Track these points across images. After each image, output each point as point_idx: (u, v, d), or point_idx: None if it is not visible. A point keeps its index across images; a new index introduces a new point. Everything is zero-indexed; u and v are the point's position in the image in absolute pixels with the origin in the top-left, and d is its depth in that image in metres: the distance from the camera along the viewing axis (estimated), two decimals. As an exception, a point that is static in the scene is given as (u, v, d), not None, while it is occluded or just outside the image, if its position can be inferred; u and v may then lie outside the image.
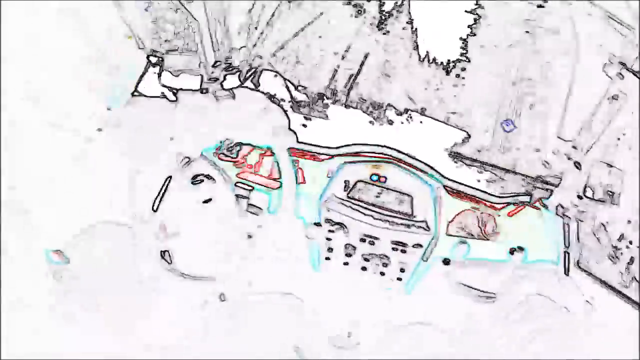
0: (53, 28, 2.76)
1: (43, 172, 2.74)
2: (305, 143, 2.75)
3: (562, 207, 2.78)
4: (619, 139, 2.74)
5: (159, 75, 2.78)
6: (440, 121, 2.76)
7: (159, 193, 2.67)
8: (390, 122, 2.71)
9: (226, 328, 2.72)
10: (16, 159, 2.73)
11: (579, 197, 2.77)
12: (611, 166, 2.74)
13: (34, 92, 2.76)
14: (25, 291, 2.74)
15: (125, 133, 2.75)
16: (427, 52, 2.74)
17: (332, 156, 2.74)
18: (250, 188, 2.71)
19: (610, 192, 2.73)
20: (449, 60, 2.73)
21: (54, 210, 2.73)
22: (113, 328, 2.73)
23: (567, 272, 2.76)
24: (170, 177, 2.68)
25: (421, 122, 2.73)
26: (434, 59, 2.74)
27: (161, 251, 2.69)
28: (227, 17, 2.81)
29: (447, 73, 2.73)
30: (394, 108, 2.72)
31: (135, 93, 2.78)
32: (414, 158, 2.74)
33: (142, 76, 2.78)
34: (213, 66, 2.80)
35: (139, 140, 2.74)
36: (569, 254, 2.77)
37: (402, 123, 2.73)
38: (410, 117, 2.72)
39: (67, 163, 2.74)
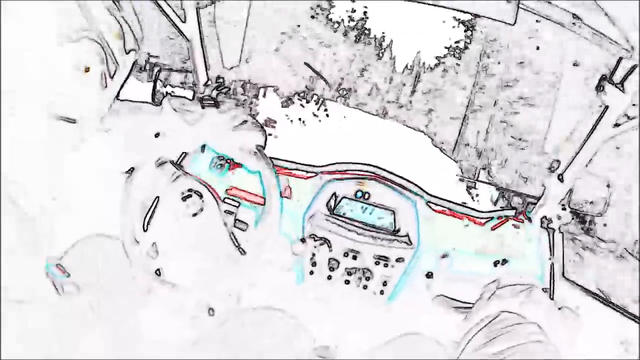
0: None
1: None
2: (290, 161, 2.84)
3: (547, 219, 2.82)
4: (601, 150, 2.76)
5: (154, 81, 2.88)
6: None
7: (148, 212, 2.77)
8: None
9: (214, 341, 2.82)
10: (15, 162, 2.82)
11: (563, 209, 2.81)
12: (595, 176, 2.77)
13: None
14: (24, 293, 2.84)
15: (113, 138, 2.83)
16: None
17: (317, 174, 2.82)
18: (237, 204, 2.80)
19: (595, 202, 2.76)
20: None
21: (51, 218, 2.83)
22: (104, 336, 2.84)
23: (552, 283, 2.80)
24: (158, 197, 2.77)
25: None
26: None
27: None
28: (220, 38, 2.88)
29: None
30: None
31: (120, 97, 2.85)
32: (397, 175, 2.80)
33: (126, 80, 2.87)
34: (204, 85, 2.88)
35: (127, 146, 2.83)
36: (553, 265, 2.81)
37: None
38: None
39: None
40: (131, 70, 2.89)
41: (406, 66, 2.82)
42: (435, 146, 2.86)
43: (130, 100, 2.88)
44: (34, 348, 2.84)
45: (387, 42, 2.80)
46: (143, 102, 2.89)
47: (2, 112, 2.76)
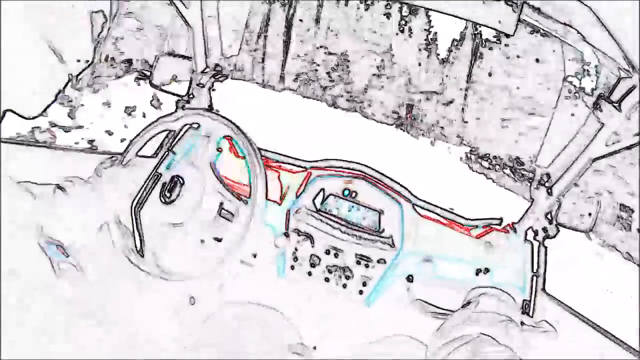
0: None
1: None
2: (280, 154, 2.84)
3: (533, 230, 2.82)
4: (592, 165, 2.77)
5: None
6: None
7: (134, 228, 2.79)
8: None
9: (195, 330, 2.84)
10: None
11: (550, 222, 2.81)
12: (583, 191, 2.77)
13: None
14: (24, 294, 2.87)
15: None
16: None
17: (306, 169, 2.83)
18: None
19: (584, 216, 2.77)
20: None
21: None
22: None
23: (533, 296, 2.81)
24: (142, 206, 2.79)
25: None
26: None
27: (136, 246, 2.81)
28: (221, 24, 2.88)
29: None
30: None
31: None
32: (385, 176, 2.81)
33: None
34: (202, 72, 2.89)
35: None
36: (536, 278, 2.82)
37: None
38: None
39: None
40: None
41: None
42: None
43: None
44: (34, 348, 2.87)
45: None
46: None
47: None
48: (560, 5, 2.66)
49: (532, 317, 2.81)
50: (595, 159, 2.74)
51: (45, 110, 2.89)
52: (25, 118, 2.87)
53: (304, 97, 2.90)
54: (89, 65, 2.89)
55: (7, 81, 2.82)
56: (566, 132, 2.75)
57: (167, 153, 2.81)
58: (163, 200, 2.76)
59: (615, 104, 2.70)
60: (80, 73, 2.89)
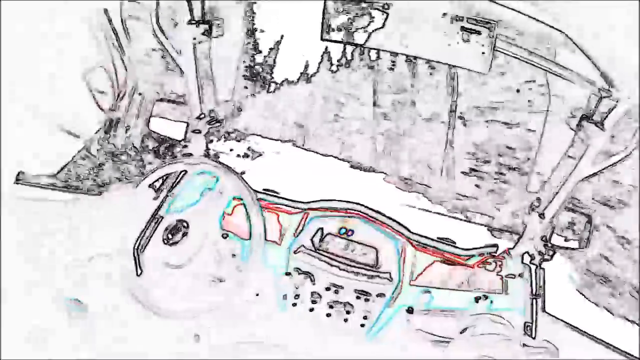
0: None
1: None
2: (277, 196, 2.94)
3: (529, 255, 2.88)
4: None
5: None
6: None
7: (136, 268, 2.89)
8: None
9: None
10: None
11: (545, 246, 2.86)
12: (575, 212, 2.82)
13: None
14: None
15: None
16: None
17: (303, 210, 2.92)
18: (225, 235, 2.90)
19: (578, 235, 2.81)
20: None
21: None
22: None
23: (534, 319, 2.85)
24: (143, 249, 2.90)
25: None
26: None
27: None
28: (214, 71, 2.99)
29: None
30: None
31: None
32: (381, 213, 2.89)
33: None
34: (197, 118, 3.00)
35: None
36: (536, 300, 2.86)
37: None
38: None
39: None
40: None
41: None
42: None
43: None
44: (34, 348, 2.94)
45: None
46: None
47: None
48: (535, 32, 2.72)
49: (534, 338, 2.84)
50: (584, 179, 2.79)
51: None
52: None
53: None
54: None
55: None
56: (553, 156, 2.81)
57: (167, 196, 2.90)
58: (166, 242, 2.86)
59: (598, 124, 2.75)
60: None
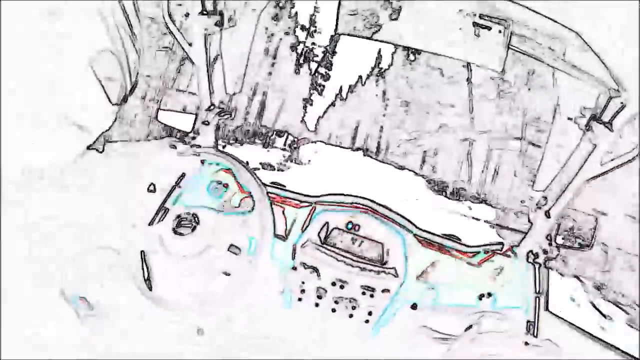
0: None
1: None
2: (284, 189, 2.93)
3: (533, 253, 2.89)
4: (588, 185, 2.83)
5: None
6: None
7: (142, 261, 2.88)
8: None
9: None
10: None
11: (550, 244, 2.87)
12: (581, 212, 2.83)
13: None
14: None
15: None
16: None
17: (311, 204, 2.92)
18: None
19: (581, 237, 2.83)
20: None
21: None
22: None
23: (537, 317, 2.87)
24: (143, 252, 2.88)
25: None
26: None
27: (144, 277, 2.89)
28: (224, 62, 2.97)
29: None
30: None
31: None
32: (388, 208, 2.89)
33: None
34: (207, 110, 2.98)
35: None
36: (539, 299, 2.88)
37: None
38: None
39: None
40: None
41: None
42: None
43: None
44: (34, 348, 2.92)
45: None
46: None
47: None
48: (546, 31, 2.72)
49: (536, 337, 2.86)
50: (590, 179, 2.80)
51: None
52: None
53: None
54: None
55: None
56: (560, 155, 2.82)
57: (174, 188, 2.89)
58: (174, 233, 2.86)
59: (607, 124, 2.76)
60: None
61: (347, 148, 2.95)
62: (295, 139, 2.97)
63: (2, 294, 2.90)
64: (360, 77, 2.91)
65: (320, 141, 2.96)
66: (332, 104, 2.94)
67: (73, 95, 2.90)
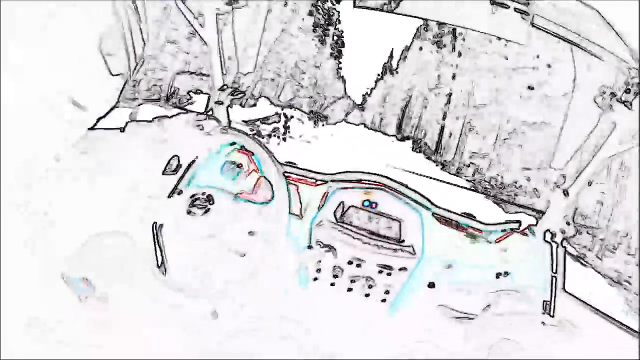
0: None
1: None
2: (300, 168, 2.91)
3: (551, 233, 2.87)
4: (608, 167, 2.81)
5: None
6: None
7: (156, 245, 2.84)
8: None
9: (218, 343, 2.90)
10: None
11: (567, 224, 2.85)
12: (598, 192, 2.82)
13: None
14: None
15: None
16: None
17: (327, 182, 2.88)
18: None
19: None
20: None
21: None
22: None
23: (554, 297, 2.85)
24: (162, 225, 2.84)
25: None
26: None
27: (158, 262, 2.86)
28: (237, 43, 2.94)
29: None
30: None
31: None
32: (405, 186, 2.86)
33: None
34: (220, 90, 2.95)
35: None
36: (556, 279, 2.86)
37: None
38: None
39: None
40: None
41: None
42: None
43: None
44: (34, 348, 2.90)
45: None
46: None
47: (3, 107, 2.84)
48: (568, 9, 2.70)
49: (553, 317, 2.84)
50: (610, 157, 2.78)
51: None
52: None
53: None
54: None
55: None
56: (580, 134, 2.79)
57: (187, 170, 2.86)
58: (188, 213, 2.82)
59: (627, 103, 2.73)
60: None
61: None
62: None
63: (2, 279, 2.88)
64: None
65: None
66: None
67: (74, 74, 2.86)
